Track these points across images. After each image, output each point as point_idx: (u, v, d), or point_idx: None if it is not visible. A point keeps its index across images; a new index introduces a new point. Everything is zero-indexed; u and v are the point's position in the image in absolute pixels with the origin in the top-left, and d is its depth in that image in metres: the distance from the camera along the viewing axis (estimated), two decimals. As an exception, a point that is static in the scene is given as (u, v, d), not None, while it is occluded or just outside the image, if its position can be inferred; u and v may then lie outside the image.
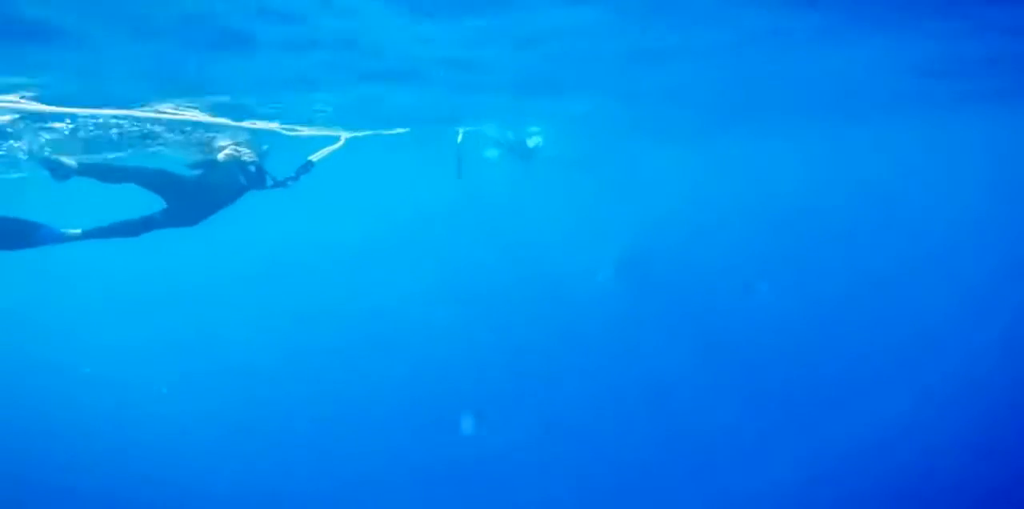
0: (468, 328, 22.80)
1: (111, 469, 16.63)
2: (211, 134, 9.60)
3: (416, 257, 30.13)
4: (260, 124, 10.45)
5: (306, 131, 11.63)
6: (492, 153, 17.39)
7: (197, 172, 7.67)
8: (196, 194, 7.46)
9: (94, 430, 18.52)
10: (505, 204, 28.83)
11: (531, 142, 17.20)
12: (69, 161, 6.95)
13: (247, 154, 7.98)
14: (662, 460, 15.51)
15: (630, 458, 15.93)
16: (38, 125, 8.66)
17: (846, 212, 29.88)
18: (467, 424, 16.22)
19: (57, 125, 8.53)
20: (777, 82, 11.24)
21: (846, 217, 29.52)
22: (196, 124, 9.49)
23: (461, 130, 14.90)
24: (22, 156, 8.65)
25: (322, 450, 17.55)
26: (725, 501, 14.37)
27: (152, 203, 7.46)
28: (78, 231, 6.87)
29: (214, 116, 9.66)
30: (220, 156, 7.87)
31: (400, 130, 13.87)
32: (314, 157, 8.59)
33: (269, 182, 8.01)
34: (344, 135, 11.50)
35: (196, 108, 9.38)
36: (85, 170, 7.02)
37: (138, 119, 8.93)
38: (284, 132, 11.47)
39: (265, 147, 8.41)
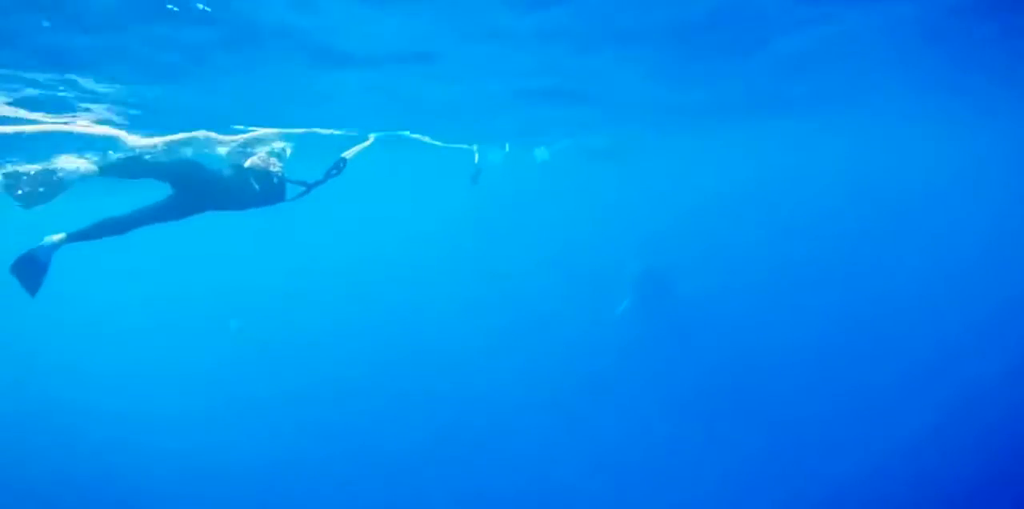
0: (486, 333, 23.05)
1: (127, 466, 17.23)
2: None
3: (432, 263, 30.27)
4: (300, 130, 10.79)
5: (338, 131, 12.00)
6: (543, 154, 18.07)
7: (220, 168, 7.60)
8: (206, 188, 7.31)
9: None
10: (524, 206, 29.20)
11: (538, 154, 18.12)
12: (89, 166, 6.89)
13: (275, 165, 7.83)
14: (689, 475, 15.53)
15: (654, 473, 15.96)
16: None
17: (879, 213, 28.67)
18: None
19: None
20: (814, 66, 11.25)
21: (879, 219, 28.36)
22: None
23: (476, 148, 15.48)
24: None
25: (345, 455, 17.89)
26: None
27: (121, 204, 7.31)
28: (62, 236, 6.63)
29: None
30: (247, 161, 7.79)
31: (425, 139, 14.31)
32: (347, 154, 8.27)
33: (290, 195, 7.83)
34: (372, 135, 11.74)
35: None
36: (107, 170, 7.02)
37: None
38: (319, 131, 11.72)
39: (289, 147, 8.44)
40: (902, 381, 17.65)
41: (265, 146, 8.68)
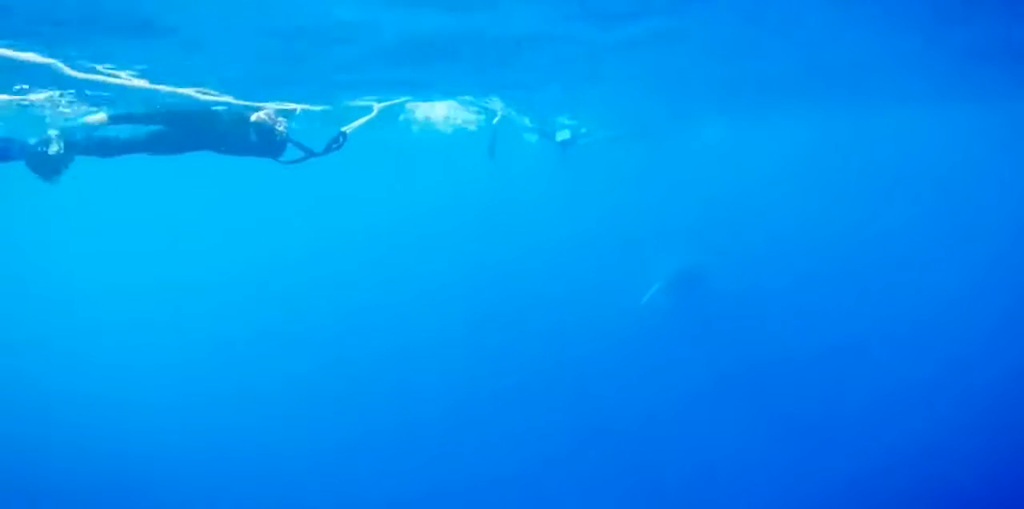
0: (493, 328, 22.13)
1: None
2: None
3: (443, 248, 29.18)
4: (290, 105, 10.44)
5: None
6: (531, 137, 17.44)
7: (221, 112, 8.03)
8: (203, 125, 7.85)
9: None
10: (541, 189, 27.90)
11: (560, 135, 17.30)
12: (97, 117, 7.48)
13: (280, 123, 8.15)
14: (708, 472, 15.41)
15: (667, 476, 15.66)
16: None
17: (929, 205, 26.98)
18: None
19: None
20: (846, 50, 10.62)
21: (928, 211, 26.80)
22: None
23: (499, 111, 14.83)
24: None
25: (340, 450, 17.33)
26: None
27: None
28: (56, 133, 7.05)
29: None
30: (253, 116, 8.10)
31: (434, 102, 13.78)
32: (347, 128, 8.45)
33: (290, 156, 8.14)
34: (377, 105, 11.36)
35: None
36: (116, 120, 7.51)
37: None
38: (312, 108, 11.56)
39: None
40: (943, 379, 17.23)
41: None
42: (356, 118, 9.10)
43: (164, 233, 30.15)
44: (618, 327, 20.43)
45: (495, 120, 15.07)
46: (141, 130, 7.58)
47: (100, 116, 7.54)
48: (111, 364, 21.40)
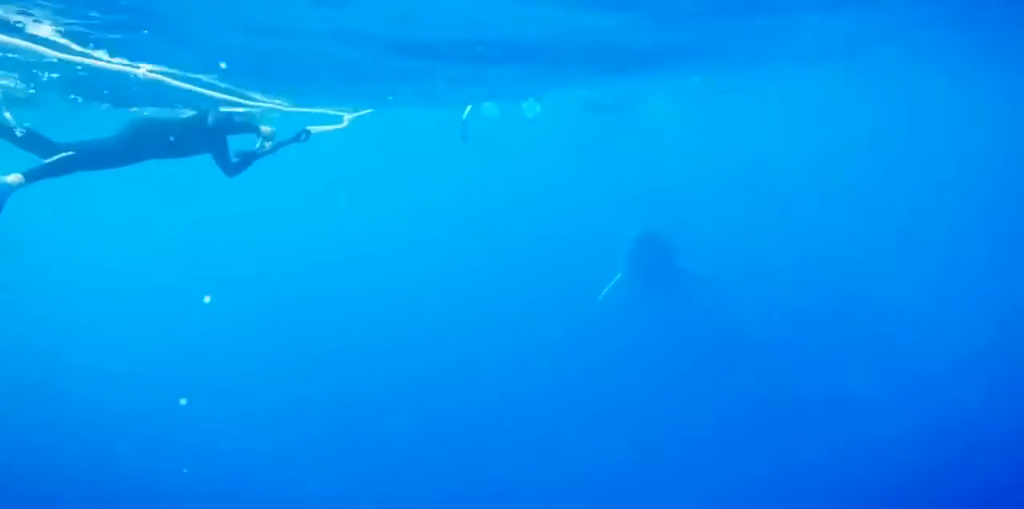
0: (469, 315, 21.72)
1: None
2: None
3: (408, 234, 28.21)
4: (263, 102, 10.31)
5: (303, 109, 11.55)
6: (491, 109, 17.15)
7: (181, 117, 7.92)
8: (160, 132, 7.70)
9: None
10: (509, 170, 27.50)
11: (530, 111, 17.12)
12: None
13: (239, 113, 8.31)
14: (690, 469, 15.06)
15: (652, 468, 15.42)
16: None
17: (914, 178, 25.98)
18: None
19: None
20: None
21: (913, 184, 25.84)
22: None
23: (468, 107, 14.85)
24: None
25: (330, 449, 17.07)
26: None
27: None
28: (18, 177, 6.91)
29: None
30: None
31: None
32: (313, 129, 8.41)
33: (256, 145, 8.03)
34: (347, 116, 11.32)
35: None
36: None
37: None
38: (284, 109, 11.38)
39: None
40: (933, 362, 16.98)
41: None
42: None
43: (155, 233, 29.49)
44: (583, 317, 19.85)
45: (465, 112, 14.83)
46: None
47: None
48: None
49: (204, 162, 8.06)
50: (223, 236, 29.10)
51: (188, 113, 8.09)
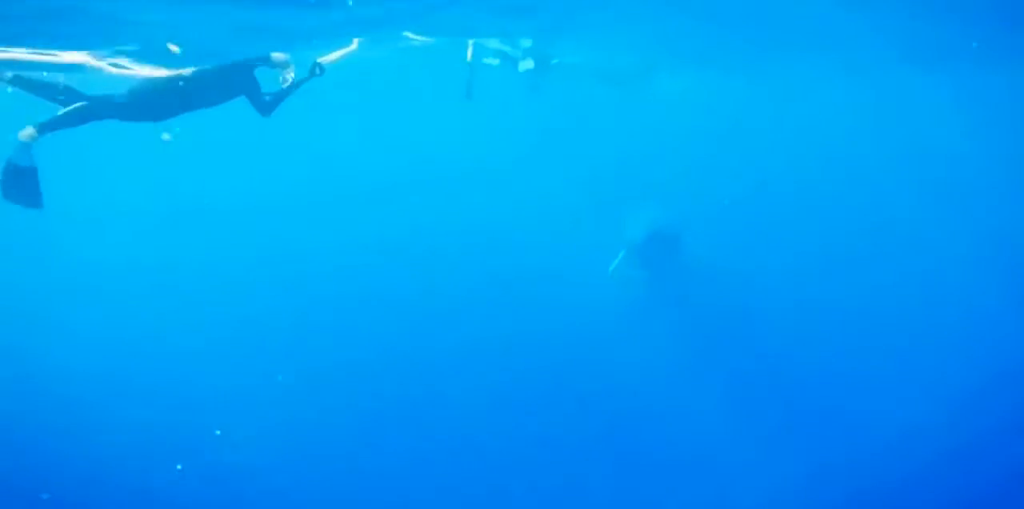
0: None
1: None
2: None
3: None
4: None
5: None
6: (492, 61, 16.17)
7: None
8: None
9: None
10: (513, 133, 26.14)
11: (523, 65, 15.93)
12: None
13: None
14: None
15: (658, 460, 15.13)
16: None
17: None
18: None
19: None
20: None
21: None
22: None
23: (471, 42, 14.05)
24: None
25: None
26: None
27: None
28: (31, 130, 6.70)
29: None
30: (274, 55, 7.69)
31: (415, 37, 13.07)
32: (324, 59, 7.87)
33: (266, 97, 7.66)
34: (356, 40, 11.07)
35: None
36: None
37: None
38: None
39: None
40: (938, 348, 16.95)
41: None
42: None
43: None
44: (587, 298, 19.09)
45: (469, 55, 14.16)
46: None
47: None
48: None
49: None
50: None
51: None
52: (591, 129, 26.10)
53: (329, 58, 8.23)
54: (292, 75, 7.60)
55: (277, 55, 7.58)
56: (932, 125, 24.78)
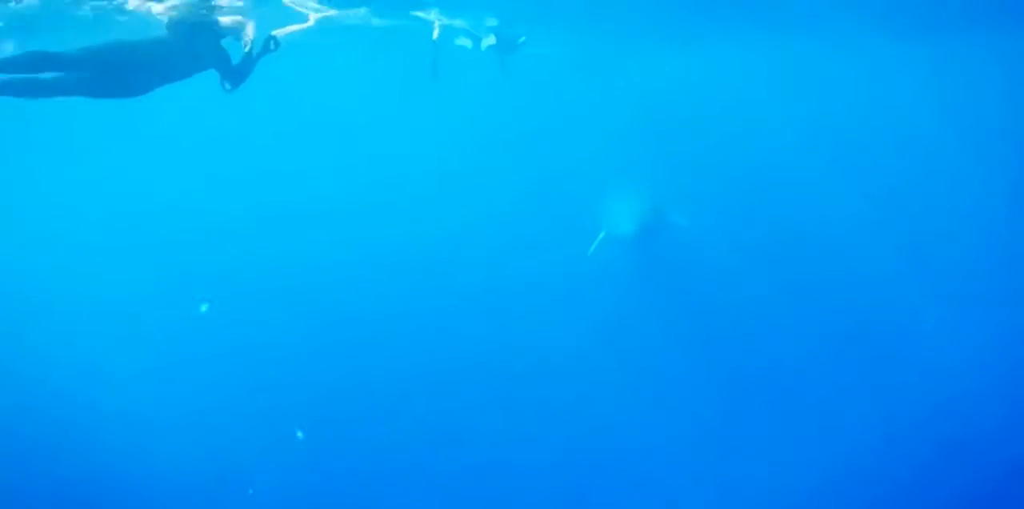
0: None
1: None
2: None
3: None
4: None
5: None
6: (464, 42, 15.73)
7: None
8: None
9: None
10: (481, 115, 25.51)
11: (485, 41, 15.40)
12: None
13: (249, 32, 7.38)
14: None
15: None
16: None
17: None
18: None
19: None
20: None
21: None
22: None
23: (437, 23, 13.58)
24: None
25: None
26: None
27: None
28: None
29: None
30: (223, 19, 7.32)
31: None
32: (278, 32, 7.46)
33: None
34: (313, 15, 10.72)
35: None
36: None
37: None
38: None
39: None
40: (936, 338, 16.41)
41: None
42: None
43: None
44: (564, 287, 18.57)
45: (434, 34, 13.65)
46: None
47: None
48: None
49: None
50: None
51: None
52: (565, 112, 25.66)
53: (283, 31, 7.80)
54: (251, 35, 7.24)
55: (225, 19, 7.14)
56: (911, 101, 24.59)
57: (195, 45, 7.05)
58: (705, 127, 25.18)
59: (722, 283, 18.80)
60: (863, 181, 23.16)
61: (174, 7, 8.41)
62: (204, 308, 19.92)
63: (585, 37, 17.84)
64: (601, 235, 17.51)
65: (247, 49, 7.12)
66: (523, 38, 14.94)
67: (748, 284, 18.59)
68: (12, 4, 8.87)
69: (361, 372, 16.77)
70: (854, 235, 20.63)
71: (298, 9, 10.92)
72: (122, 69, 6.76)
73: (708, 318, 17.76)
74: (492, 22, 14.75)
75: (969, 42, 18.63)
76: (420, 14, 13.23)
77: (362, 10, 12.54)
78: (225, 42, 7.29)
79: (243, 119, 24.20)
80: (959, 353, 15.89)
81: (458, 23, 14.39)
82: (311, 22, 9.98)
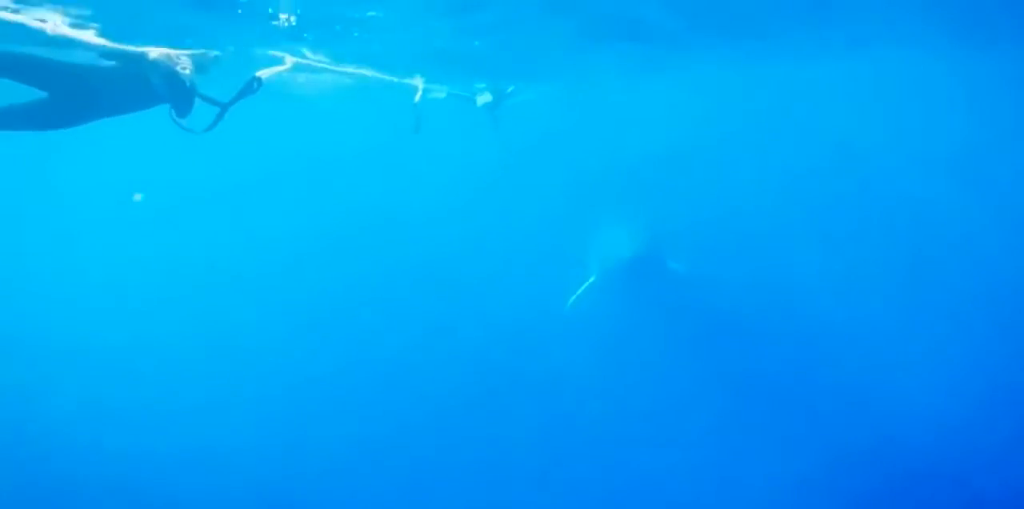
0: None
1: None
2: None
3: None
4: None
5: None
6: (440, 94, 15.91)
7: (109, 63, 7.12)
8: (95, 87, 6.73)
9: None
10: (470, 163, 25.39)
11: (481, 99, 15.69)
12: None
13: (185, 64, 7.35)
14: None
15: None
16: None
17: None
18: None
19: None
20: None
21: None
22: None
23: (421, 84, 14.28)
24: None
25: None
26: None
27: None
28: None
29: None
30: (152, 54, 7.18)
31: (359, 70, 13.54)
32: (262, 73, 7.80)
33: (193, 104, 7.28)
34: (290, 59, 11.23)
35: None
36: None
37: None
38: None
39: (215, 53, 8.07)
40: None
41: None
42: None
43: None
44: (552, 337, 18.05)
45: (417, 95, 14.09)
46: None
47: None
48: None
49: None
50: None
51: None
52: (551, 150, 25.37)
53: (267, 72, 8.06)
54: (189, 70, 7.29)
55: (154, 52, 7.07)
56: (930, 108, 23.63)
57: (131, 77, 7.01)
58: (699, 161, 24.69)
59: (717, 302, 18.67)
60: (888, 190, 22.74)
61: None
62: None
63: (571, 76, 17.61)
64: (591, 280, 17.07)
65: (188, 84, 7.15)
66: (511, 87, 15.37)
67: (746, 305, 18.50)
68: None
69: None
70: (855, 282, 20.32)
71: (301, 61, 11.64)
72: (88, 94, 6.66)
73: (704, 333, 17.79)
74: (480, 85, 15.23)
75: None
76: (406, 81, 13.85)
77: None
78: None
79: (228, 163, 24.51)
80: (957, 363, 15.93)
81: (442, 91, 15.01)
82: (288, 64, 10.04)
